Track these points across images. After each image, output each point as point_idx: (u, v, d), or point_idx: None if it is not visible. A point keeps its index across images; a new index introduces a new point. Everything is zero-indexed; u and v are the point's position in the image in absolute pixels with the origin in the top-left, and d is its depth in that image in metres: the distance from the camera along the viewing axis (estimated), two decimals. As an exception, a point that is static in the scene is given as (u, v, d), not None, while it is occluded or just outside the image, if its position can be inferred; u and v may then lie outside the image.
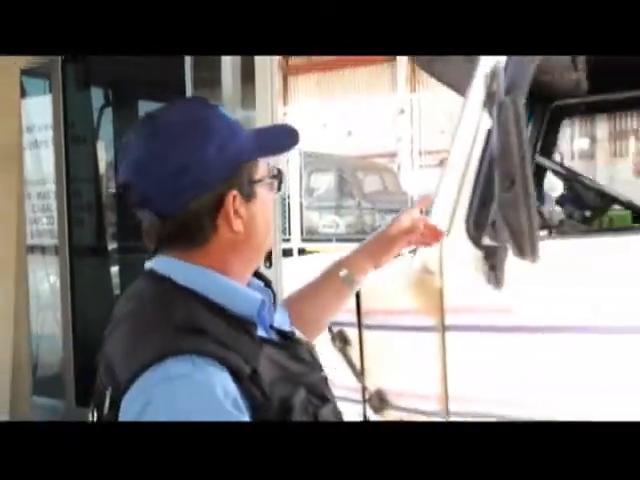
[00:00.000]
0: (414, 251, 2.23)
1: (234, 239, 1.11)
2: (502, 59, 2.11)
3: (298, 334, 1.26)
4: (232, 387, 0.98)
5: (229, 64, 3.13)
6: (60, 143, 3.66)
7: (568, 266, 2.13)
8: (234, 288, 1.12)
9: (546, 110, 4.01)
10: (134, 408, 0.95)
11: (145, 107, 4.39)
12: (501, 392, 2.16)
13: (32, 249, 3.87)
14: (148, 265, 1.15)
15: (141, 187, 1.06)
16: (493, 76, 2.00)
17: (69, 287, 3.69)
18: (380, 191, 11.39)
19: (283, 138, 1.20)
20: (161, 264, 1.13)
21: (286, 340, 1.20)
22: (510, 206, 1.90)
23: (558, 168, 3.33)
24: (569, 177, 3.19)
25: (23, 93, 3.67)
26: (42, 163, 3.86)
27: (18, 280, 3.44)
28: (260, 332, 1.11)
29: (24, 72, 3.56)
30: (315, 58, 15.00)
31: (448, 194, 2.23)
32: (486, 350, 2.18)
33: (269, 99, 2.83)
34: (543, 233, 2.26)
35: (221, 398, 0.95)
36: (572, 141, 12.21)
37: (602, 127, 12.27)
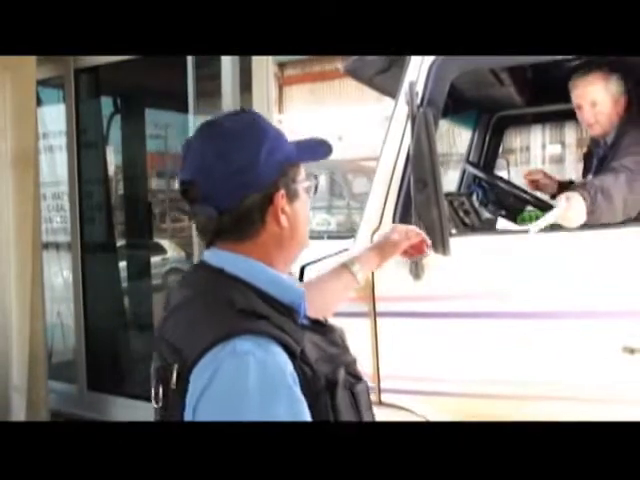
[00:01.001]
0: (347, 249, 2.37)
1: (280, 234, 1.20)
2: (422, 76, 2.26)
3: (329, 322, 1.33)
4: (289, 364, 1.06)
5: (229, 75, 3.19)
6: (73, 148, 3.77)
7: (484, 259, 2.26)
8: (281, 279, 1.20)
9: (490, 121, 4.16)
10: (204, 376, 1.02)
11: (151, 115, 4.48)
12: (426, 370, 2.29)
13: (47, 246, 3.94)
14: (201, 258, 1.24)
15: (203, 185, 1.14)
16: (410, 91, 2.13)
17: (81, 281, 3.81)
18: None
19: (319, 147, 1.31)
20: (214, 257, 1.20)
21: (320, 326, 1.26)
22: (423, 205, 2.03)
23: (480, 173, 3.46)
24: (490, 181, 3.31)
25: (39, 102, 3.73)
26: (56, 166, 3.94)
27: (34, 274, 3.48)
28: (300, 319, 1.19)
29: (40, 83, 3.63)
30: (308, 69, 15.05)
31: (378, 195, 2.36)
32: (412, 333, 2.29)
33: (265, 107, 2.92)
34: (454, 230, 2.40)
35: (282, 373, 1.04)
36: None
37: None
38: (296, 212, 1.23)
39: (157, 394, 1.10)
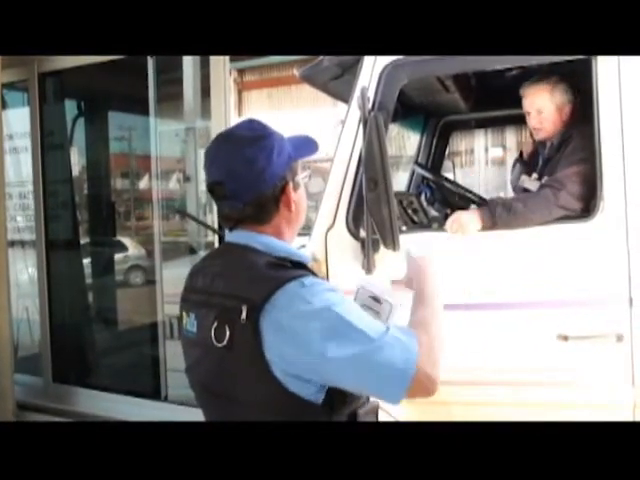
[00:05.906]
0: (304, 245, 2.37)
1: (289, 217, 1.43)
2: (373, 82, 2.28)
3: None
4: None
5: (190, 80, 3.17)
6: (37, 149, 3.67)
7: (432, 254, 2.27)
8: (293, 248, 1.44)
9: (437, 125, 4.20)
10: (284, 304, 1.24)
11: (114, 117, 4.41)
12: None
13: (13, 244, 3.84)
14: (226, 239, 1.45)
15: (232, 184, 1.35)
16: (362, 97, 2.15)
17: (46, 277, 3.72)
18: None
19: (311, 144, 1.49)
20: (238, 237, 1.41)
21: None
22: (374, 204, 2.05)
23: (428, 174, 3.50)
24: (437, 181, 3.35)
25: (4, 105, 3.65)
26: (22, 167, 3.84)
27: (0, 271, 3.41)
28: None
29: (5, 86, 3.54)
30: (266, 75, 15.01)
31: (332, 195, 2.38)
32: None
33: (223, 111, 2.91)
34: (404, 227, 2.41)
35: (337, 289, 1.31)
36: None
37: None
38: (300, 198, 1.45)
39: (222, 335, 1.28)
